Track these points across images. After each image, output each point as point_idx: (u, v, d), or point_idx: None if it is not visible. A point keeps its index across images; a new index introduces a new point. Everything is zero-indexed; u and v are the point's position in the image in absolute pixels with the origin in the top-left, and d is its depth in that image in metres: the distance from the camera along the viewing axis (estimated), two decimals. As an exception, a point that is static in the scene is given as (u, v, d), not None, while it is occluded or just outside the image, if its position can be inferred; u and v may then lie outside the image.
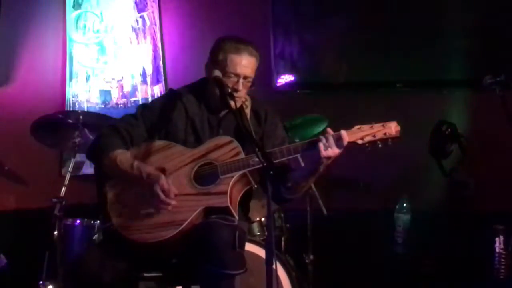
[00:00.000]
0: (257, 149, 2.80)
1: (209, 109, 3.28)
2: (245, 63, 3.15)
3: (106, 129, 3.26)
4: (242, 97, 3.19)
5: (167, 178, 3.05)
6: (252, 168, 3.05)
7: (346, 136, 2.99)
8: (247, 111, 3.29)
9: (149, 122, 3.23)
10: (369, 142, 3.01)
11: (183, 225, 3.00)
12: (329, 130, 3.03)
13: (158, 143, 3.19)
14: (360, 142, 3.01)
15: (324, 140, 2.98)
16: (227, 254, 2.92)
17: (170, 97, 3.32)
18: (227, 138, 3.15)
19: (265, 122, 3.31)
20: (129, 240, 3.04)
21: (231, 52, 3.16)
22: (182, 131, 3.22)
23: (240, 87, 3.15)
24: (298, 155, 3.10)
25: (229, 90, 3.10)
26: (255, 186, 3.19)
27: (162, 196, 3.00)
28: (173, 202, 3.02)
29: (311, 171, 3.10)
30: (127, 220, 3.06)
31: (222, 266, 2.89)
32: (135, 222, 3.05)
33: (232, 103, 3.05)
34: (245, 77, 3.16)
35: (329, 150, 2.98)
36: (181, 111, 3.24)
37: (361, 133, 3.01)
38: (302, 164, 3.21)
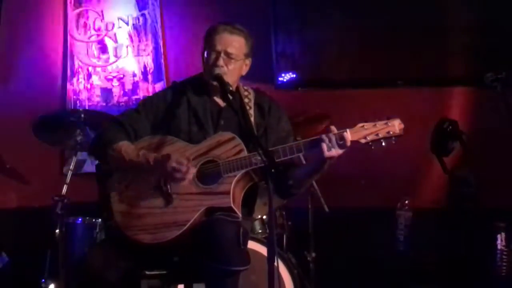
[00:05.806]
0: (259, 148, 2.79)
1: (211, 99, 3.27)
2: (224, 40, 3.18)
3: (109, 123, 3.25)
4: (226, 73, 3.16)
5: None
6: (255, 167, 3.04)
7: (349, 136, 2.97)
8: (251, 104, 3.28)
9: (151, 115, 3.22)
10: (373, 141, 2.99)
11: (186, 226, 2.99)
12: (333, 128, 3.01)
13: (160, 138, 3.17)
14: (363, 141, 2.98)
15: (327, 140, 2.97)
16: (232, 251, 2.91)
17: (172, 89, 3.31)
18: (229, 135, 3.13)
19: (268, 115, 3.29)
20: (132, 240, 3.03)
21: (212, 32, 3.22)
22: (186, 122, 3.20)
23: (220, 62, 3.16)
24: (301, 154, 3.10)
25: (230, 88, 3.10)
26: (258, 182, 3.18)
27: (178, 166, 2.98)
28: (191, 168, 3.01)
29: (315, 169, 3.10)
30: (130, 220, 3.06)
31: (227, 263, 2.88)
32: (138, 222, 3.04)
33: (232, 98, 3.05)
34: (226, 54, 3.17)
35: (332, 150, 2.97)
36: (183, 102, 3.23)
37: (364, 132, 2.98)
38: (304, 162, 3.21)
